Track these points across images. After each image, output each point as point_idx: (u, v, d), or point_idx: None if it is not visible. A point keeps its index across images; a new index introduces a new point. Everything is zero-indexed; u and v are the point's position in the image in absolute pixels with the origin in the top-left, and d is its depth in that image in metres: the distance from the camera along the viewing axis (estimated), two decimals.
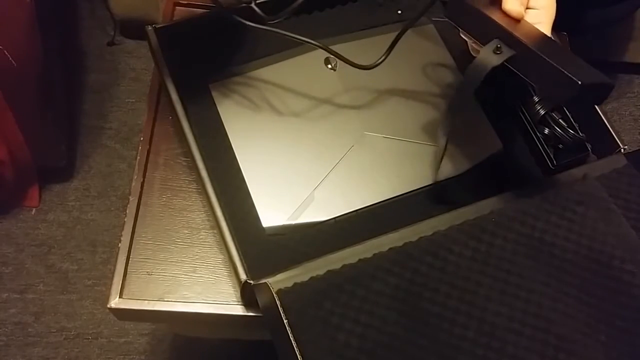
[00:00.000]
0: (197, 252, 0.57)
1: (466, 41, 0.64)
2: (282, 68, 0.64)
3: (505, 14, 0.51)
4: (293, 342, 0.44)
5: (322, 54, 0.64)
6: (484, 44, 0.50)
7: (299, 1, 0.55)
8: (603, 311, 0.50)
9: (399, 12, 0.70)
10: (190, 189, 0.60)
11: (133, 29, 1.38)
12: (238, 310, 0.54)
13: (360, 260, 0.49)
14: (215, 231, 0.58)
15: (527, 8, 0.53)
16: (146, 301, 0.54)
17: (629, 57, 1.36)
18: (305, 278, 0.47)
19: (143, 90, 1.34)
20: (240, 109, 0.61)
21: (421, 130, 0.62)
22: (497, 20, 0.49)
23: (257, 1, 0.57)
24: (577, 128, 0.60)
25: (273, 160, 0.59)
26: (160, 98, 0.64)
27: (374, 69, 0.60)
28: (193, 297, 0.55)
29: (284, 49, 0.65)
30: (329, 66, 0.64)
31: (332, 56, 0.61)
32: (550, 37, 0.53)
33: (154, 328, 1.12)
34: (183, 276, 0.56)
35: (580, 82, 0.44)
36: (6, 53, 0.93)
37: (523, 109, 0.62)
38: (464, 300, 0.48)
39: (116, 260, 0.55)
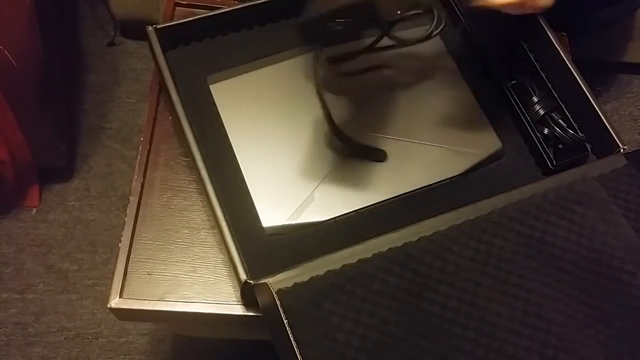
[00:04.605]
0: (197, 252, 0.57)
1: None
2: (282, 68, 0.64)
3: None
4: (293, 342, 0.44)
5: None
6: None
7: None
8: (603, 311, 0.50)
9: (399, 11, 0.69)
10: (190, 189, 0.60)
11: (133, 29, 1.38)
12: (238, 310, 0.54)
13: (360, 260, 0.49)
14: (215, 231, 0.58)
15: None
16: (146, 301, 0.54)
17: (629, 57, 1.36)
18: (305, 278, 0.47)
19: (143, 90, 1.34)
20: (240, 109, 0.61)
21: (421, 130, 0.62)
22: None
23: None
24: (577, 128, 0.60)
25: (273, 160, 0.59)
26: (160, 98, 0.64)
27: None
28: (193, 297, 0.55)
29: (283, 49, 0.65)
30: (330, 66, 0.64)
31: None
32: None
33: (154, 328, 1.12)
34: (183, 276, 0.56)
35: None
36: (6, 53, 0.93)
37: (523, 108, 0.62)
38: (464, 301, 0.48)
39: (116, 260, 0.55)
